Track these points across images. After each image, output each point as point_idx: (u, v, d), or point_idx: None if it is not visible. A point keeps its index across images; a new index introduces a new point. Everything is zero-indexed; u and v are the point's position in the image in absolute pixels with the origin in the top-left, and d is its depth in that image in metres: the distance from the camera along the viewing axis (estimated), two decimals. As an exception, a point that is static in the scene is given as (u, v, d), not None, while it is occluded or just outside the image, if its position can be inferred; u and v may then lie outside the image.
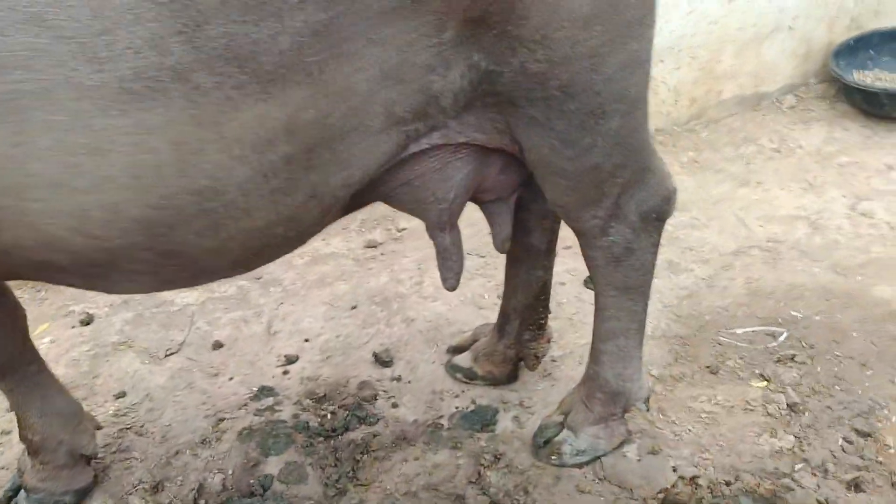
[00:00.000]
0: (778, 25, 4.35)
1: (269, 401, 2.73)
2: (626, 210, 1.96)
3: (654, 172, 1.96)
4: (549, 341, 2.66)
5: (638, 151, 1.87)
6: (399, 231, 3.65)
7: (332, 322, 3.11)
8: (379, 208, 3.57)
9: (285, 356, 2.94)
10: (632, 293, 2.14)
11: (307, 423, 2.61)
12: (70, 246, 1.49)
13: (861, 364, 2.66)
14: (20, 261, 1.58)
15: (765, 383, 2.62)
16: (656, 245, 2.09)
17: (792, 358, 2.70)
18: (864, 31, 4.52)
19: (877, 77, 4.39)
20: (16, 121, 1.33)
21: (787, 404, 2.51)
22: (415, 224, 3.53)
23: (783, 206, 3.58)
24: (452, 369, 2.75)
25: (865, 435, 2.40)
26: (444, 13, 1.51)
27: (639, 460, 2.35)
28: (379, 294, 3.24)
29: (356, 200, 1.79)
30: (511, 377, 2.68)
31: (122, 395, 2.82)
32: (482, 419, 2.57)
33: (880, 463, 2.30)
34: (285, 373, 2.87)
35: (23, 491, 2.34)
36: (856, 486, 2.24)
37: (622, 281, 2.09)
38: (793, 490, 2.23)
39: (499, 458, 2.43)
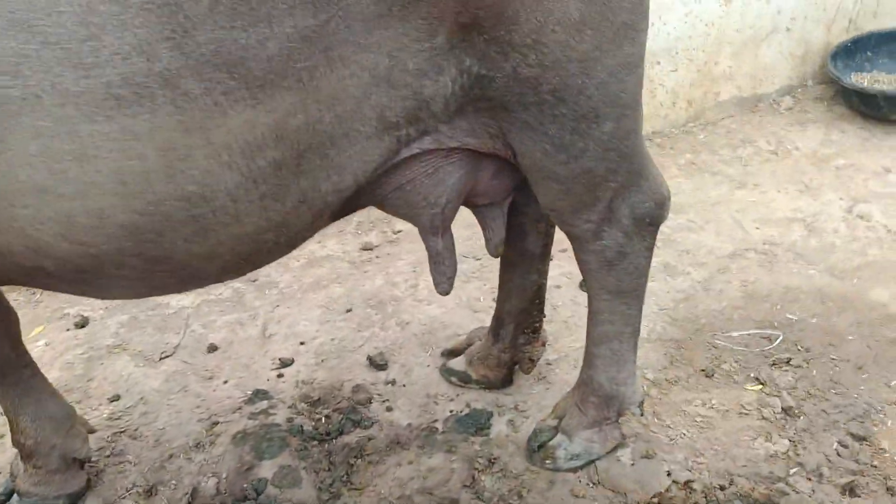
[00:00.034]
0: (775, 27, 4.34)
1: (264, 404, 2.73)
2: (620, 214, 1.96)
3: (648, 177, 1.96)
4: (543, 345, 2.65)
5: (631, 156, 1.87)
6: (395, 233, 3.64)
7: (327, 325, 3.11)
8: (375, 210, 3.56)
9: (280, 359, 2.93)
10: (625, 297, 2.13)
11: (301, 426, 2.60)
12: (57, 252, 1.49)
13: (857, 367, 2.66)
14: (10, 266, 1.58)
15: (760, 387, 2.61)
16: (650, 249, 2.08)
17: (787, 361, 2.70)
18: (861, 33, 4.52)
19: (874, 79, 4.39)
20: (2, 127, 1.32)
21: (782, 408, 2.51)
22: (410, 226, 3.51)
23: (780, 208, 3.58)
24: (447, 373, 2.74)
25: (861, 439, 2.39)
26: (436, 18, 1.51)
27: (633, 464, 2.34)
28: (374, 297, 3.24)
29: (348, 205, 1.79)
30: (506, 381, 2.68)
31: (116, 398, 2.81)
32: (477, 423, 2.56)
33: (875, 467, 2.30)
34: (280, 376, 2.86)
35: (16, 495, 2.34)
36: (850, 490, 2.23)
37: (615, 285, 2.09)
38: (787, 494, 2.22)
39: (493, 463, 2.42)
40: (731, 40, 4.27)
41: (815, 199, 3.62)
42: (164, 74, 1.34)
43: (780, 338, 2.81)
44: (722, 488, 2.26)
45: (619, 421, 2.37)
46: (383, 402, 2.71)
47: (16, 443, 2.27)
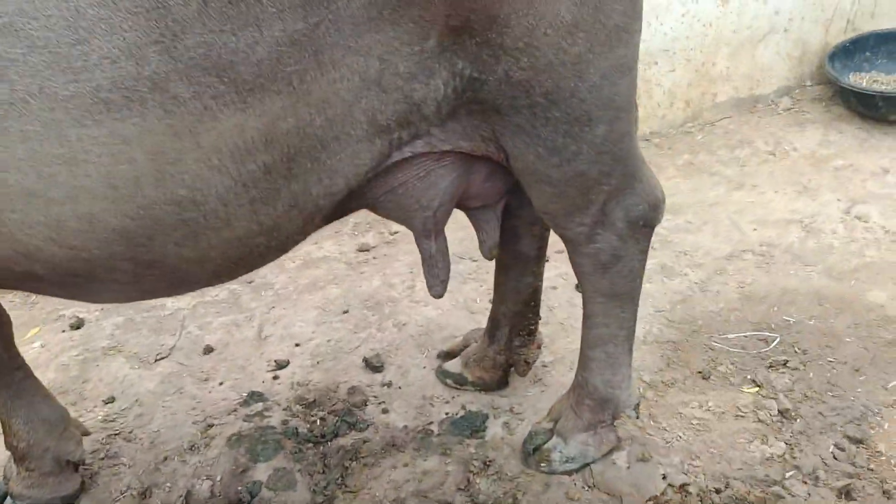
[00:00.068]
0: (773, 27, 4.33)
1: (259, 406, 2.72)
2: (613, 217, 1.95)
3: (642, 179, 1.95)
4: (539, 347, 2.65)
5: (624, 159, 1.86)
6: (392, 234, 3.64)
7: (324, 326, 3.10)
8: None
9: (276, 361, 2.92)
10: (620, 300, 2.12)
11: (296, 428, 2.59)
12: (47, 256, 1.48)
13: (854, 370, 2.65)
14: (1, 271, 1.57)
15: (756, 389, 2.60)
16: (644, 252, 2.07)
17: (784, 363, 2.69)
18: (860, 33, 4.50)
19: (873, 79, 4.37)
20: None
21: (779, 410, 2.50)
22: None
23: (777, 209, 3.57)
24: (443, 375, 2.74)
25: (857, 442, 2.38)
26: (427, 22, 1.50)
27: (628, 468, 2.34)
28: (371, 298, 3.23)
29: (340, 208, 1.78)
30: (501, 383, 2.67)
31: (111, 400, 2.81)
32: (472, 425, 2.55)
33: (871, 470, 2.29)
34: (275, 378, 2.85)
35: (9, 498, 2.33)
36: (847, 493, 2.23)
37: (610, 288, 2.08)
38: (783, 498, 2.22)
39: (488, 465, 2.41)
40: (728, 41, 4.26)
41: (813, 200, 3.61)
42: (153, 78, 1.34)
43: (777, 340, 2.80)
44: (717, 491, 2.26)
45: (615, 424, 2.37)
46: (379, 404, 2.70)
47: (9, 445, 2.27)
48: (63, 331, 3.20)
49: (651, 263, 3.24)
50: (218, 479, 2.46)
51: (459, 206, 2.06)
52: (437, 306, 3.11)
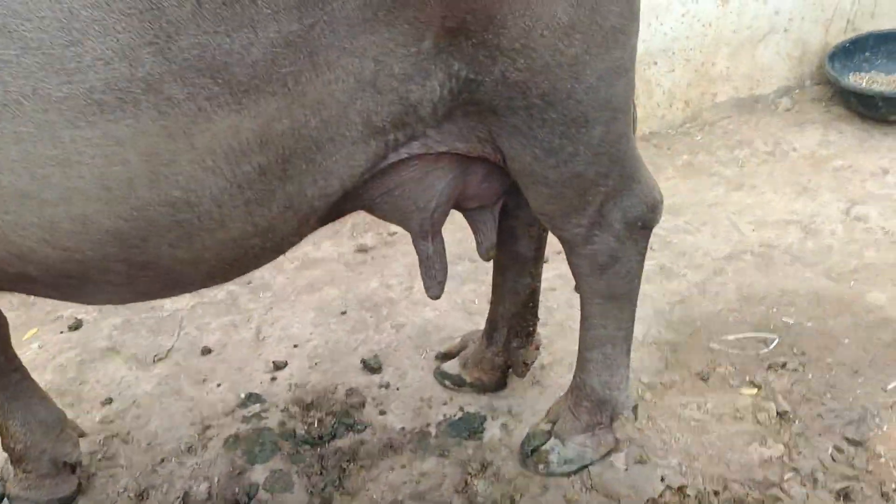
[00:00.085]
0: (773, 27, 4.32)
1: (256, 408, 2.72)
2: (611, 218, 1.94)
3: (640, 180, 1.94)
4: (537, 348, 2.64)
5: (622, 160, 1.85)
6: (390, 235, 3.63)
7: (322, 328, 3.09)
8: (370, 212, 3.56)
9: (273, 362, 2.92)
10: (618, 301, 2.12)
11: (294, 430, 2.59)
12: (41, 258, 1.48)
13: (853, 371, 2.64)
14: (-5, 273, 1.57)
15: (755, 391, 2.59)
16: (642, 253, 2.07)
17: (783, 365, 2.68)
18: (860, 34, 4.49)
19: (872, 79, 4.36)
20: None
21: (778, 412, 2.49)
22: (406, 228, 3.51)
23: (776, 210, 3.56)
24: (441, 376, 2.73)
25: (856, 444, 2.37)
26: (422, 23, 1.50)
27: (626, 469, 2.33)
28: (368, 299, 3.22)
29: (336, 210, 1.77)
30: (500, 384, 2.66)
31: (108, 401, 2.81)
32: (470, 427, 2.55)
33: (870, 472, 2.28)
34: (273, 379, 2.85)
35: (6, 500, 2.33)
36: (845, 496, 2.22)
37: (607, 289, 2.07)
38: (781, 500, 2.21)
39: (486, 467, 2.41)
40: (728, 41, 4.25)
41: (813, 201, 3.60)
42: (147, 79, 1.33)
43: (776, 341, 2.80)
44: (716, 493, 2.25)
45: (613, 425, 2.36)
46: (377, 405, 2.70)
47: (5, 447, 2.27)
48: (61, 332, 3.20)
49: (650, 264, 3.23)
50: (215, 480, 2.45)
51: (457, 207, 2.06)
52: (435, 307, 3.11)
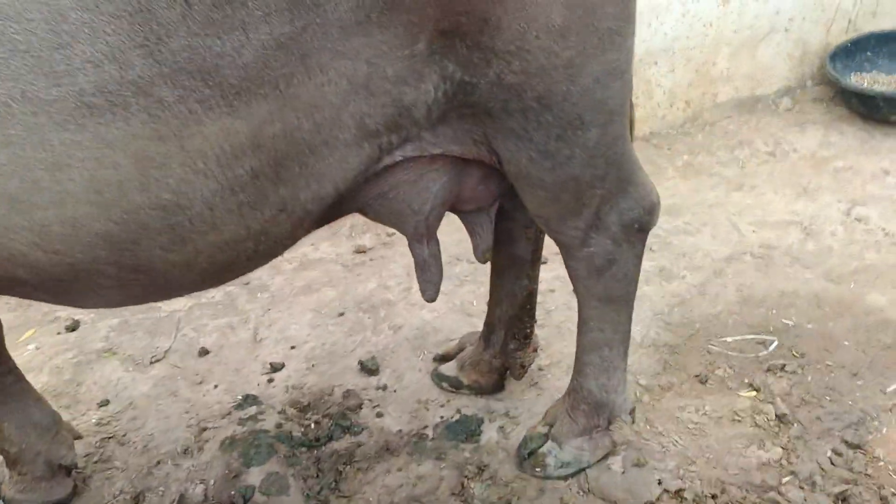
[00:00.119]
0: (773, 27, 4.31)
1: (253, 410, 2.70)
2: (608, 221, 1.93)
3: (636, 183, 1.93)
4: (535, 351, 2.63)
5: (618, 162, 1.84)
6: (388, 236, 3.62)
7: (319, 329, 3.08)
8: (368, 213, 3.55)
9: (271, 364, 2.91)
10: (615, 304, 2.10)
11: (290, 432, 2.58)
12: (31, 261, 1.47)
13: (852, 374, 2.63)
14: (-14, 276, 1.56)
15: (754, 393, 2.58)
16: (640, 256, 2.05)
17: (782, 367, 2.66)
18: (861, 33, 4.48)
19: (874, 80, 4.35)
20: None
21: (776, 415, 2.48)
22: (404, 229, 3.50)
23: (777, 211, 3.55)
24: (438, 378, 2.72)
25: (855, 447, 2.36)
26: (416, 25, 1.48)
27: (623, 473, 2.32)
28: (366, 301, 3.21)
29: (330, 212, 1.76)
30: (497, 387, 2.65)
31: (105, 403, 2.80)
32: (467, 429, 2.54)
33: (869, 476, 2.26)
34: (270, 381, 2.84)
35: (1, 502, 2.32)
36: (844, 499, 2.20)
37: (604, 292, 2.06)
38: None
39: (483, 470, 2.39)
40: (728, 41, 4.24)
41: (813, 202, 3.59)
42: (137, 82, 1.32)
43: (776, 343, 2.78)
44: (713, 497, 2.23)
45: (610, 428, 2.34)
46: (374, 407, 2.68)
47: (0, 450, 2.25)
48: (58, 333, 3.19)
49: (649, 265, 3.23)
50: (211, 483, 2.44)
51: (453, 210, 2.04)
52: (433, 309, 3.10)
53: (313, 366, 2.89)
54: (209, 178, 1.46)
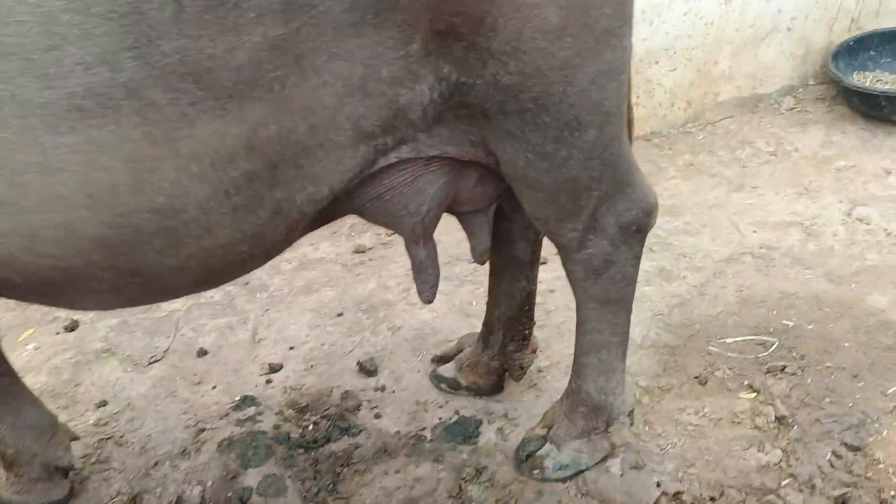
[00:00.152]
0: (776, 26, 4.29)
1: (251, 410, 2.70)
2: (605, 223, 1.92)
3: (634, 184, 1.91)
4: (534, 352, 2.62)
5: (615, 164, 1.83)
6: (388, 236, 3.61)
7: (318, 329, 3.07)
8: (368, 213, 3.54)
9: (269, 364, 2.90)
10: (613, 306, 2.09)
11: (288, 434, 2.57)
12: (24, 265, 1.46)
13: (853, 375, 2.61)
14: (-20, 279, 1.55)
15: (754, 395, 2.57)
16: (638, 257, 2.04)
17: (782, 369, 2.65)
18: (864, 32, 4.46)
19: (877, 79, 4.33)
20: None
21: (776, 417, 2.46)
22: (404, 229, 3.49)
23: (777, 211, 3.53)
24: (437, 379, 2.71)
25: (855, 449, 2.35)
26: (410, 26, 1.47)
27: (622, 475, 2.31)
28: (366, 301, 3.20)
29: (326, 214, 1.75)
30: (496, 388, 2.64)
31: (103, 403, 2.79)
32: (465, 431, 2.53)
33: (869, 479, 2.25)
34: (268, 381, 2.83)
35: (-2, 504, 2.32)
36: (843, 503, 2.19)
37: (602, 294, 2.05)
38: (778, 507, 2.19)
39: (481, 472, 2.38)
40: (730, 39, 4.22)
41: (814, 202, 3.57)
42: (128, 85, 1.31)
43: (776, 344, 2.77)
44: (712, 500, 2.23)
45: (609, 430, 2.33)
46: (372, 408, 2.68)
47: (-4, 452, 2.25)
48: (57, 333, 3.18)
49: (649, 266, 3.22)
50: (209, 484, 2.44)
51: (450, 211, 2.03)
52: (432, 309, 3.09)
53: (312, 366, 2.88)
54: (203, 182, 1.45)
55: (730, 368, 2.69)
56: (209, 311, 3.24)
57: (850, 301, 2.94)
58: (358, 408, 2.67)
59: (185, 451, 2.56)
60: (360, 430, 2.58)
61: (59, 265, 1.46)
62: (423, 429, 2.57)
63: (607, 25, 1.59)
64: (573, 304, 2.99)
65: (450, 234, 3.12)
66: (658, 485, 2.27)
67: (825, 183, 3.70)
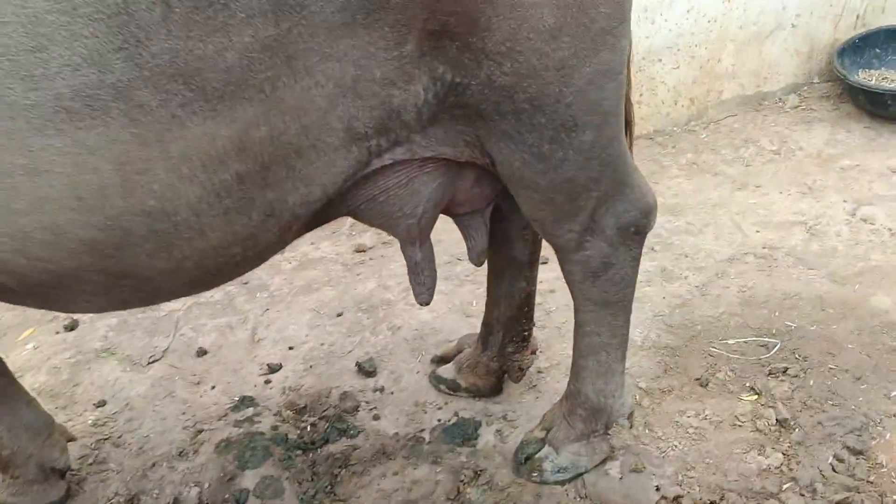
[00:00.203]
0: (780, 23, 4.25)
1: (249, 411, 2.68)
2: (603, 224, 1.90)
3: (632, 185, 1.89)
4: (534, 353, 2.60)
5: (613, 165, 1.80)
6: (389, 235, 3.58)
7: (317, 329, 3.06)
8: (368, 212, 3.52)
9: (268, 365, 2.89)
10: (611, 308, 2.07)
11: (286, 435, 2.56)
12: (14, 268, 1.45)
13: (855, 377, 2.58)
14: (-29, 281, 1.54)
15: (755, 397, 2.54)
16: (637, 259, 2.02)
17: (784, 371, 2.63)
18: (869, 29, 4.42)
19: (882, 76, 4.29)
20: None
21: (777, 420, 2.44)
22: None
23: (781, 210, 3.50)
24: (436, 380, 2.69)
25: (857, 453, 2.32)
26: (403, 26, 1.45)
27: (621, 478, 2.28)
28: (366, 301, 3.19)
29: (320, 216, 1.73)
30: (495, 389, 2.62)
31: (102, 403, 2.78)
32: (464, 433, 2.51)
33: (871, 483, 2.23)
34: (267, 382, 2.82)
35: (-6, 505, 2.31)
36: (845, 507, 2.17)
37: (601, 296, 2.03)
38: (779, 511, 2.17)
39: (479, 475, 2.37)
40: (734, 37, 4.18)
41: (818, 202, 3.54)
42: (117, 86, 1.30)
43: (778, 346, 2.74)
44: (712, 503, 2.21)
45: (609, 433, 2.31)
46: (370, 409, 2.66)
47: (-7, 453, 2.24)
48: (57, 332, 3.18)
49: (651, 266, 3.20)
50: (206, 486, 2.43)
51: (446, 213, 2.02)
52: (432, 309, 3.07)
53: (311, 367, 2.87)
54: (194, 183, 1.43)
55: (731, 370, 2.66)
56: (209, 310, 3.23)
57: (853, 302, 2.91)
58: (356, 409, 2.66)
59: (182, 452, 2.55)
60: (359, 432, 2.56)
61: (50, 268, 1.45)
62: (422, 430, 2.55)
63: (605, 25, 1.57)
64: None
65: (450, 234, 3.09)
66: (657, 488, 2.25)
67: (829, 182, 3.67)
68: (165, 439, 2.61)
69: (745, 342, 2.78)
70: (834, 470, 2.27)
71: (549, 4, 1.50)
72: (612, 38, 1.60)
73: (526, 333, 2.52)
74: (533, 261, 2.37)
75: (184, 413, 2.72)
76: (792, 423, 2.42)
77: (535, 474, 2.30)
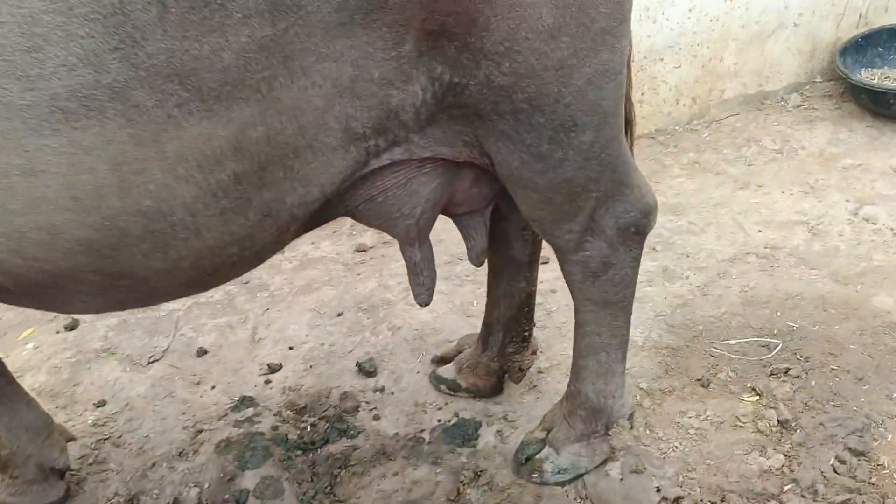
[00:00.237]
0: (782, 22, 4.24)
1: (249, 411, 2.68)
2: (603, 224, 1.89)
3: (632, 185, 1.88)
4: (534, 353, 2.59)
5: (613, 165, 1.80)
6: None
7: (318, 329, 3.06)
8: (369, 212, 3.51)
9: (268, 365, 2.89)
10: (611, 308, 2.06)
11: (286, 435, 2.55)
12: (10, 268, 1.44)
13: (857, 378, 2.57)
14: (-32, 282, 1.53)
15: (756, 398, 2.53)
16: (637, 259, 2.01)
17: (786, 371, 2.62)
18: (872, 28, 4.41)
19: (885, 75, 4.28)
20: None
21: (779, 420, 2.43)
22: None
23: (783, 210, 3.49)
24: (436, 381, 2.69)
25: (859, 454, 2.31)
26: (401, 26, 1.45)
27: (621, 479, 2.27)
28: (366, 300, 3.18)
29: (318, 216, 1.73)
30: (495, 390, 2.62)
31: (102, 403, 2.78)
32: (464, 433, 2.50)
33: (872, 485, 2.21)
34: (267, 382, 2.82)
35: (-6, 505, 2.31)
36: (846, 509, 2.16)
37: (601, 296, 2.02)
38: (780, 512, 2.16)
39: (479, 475, 2.36)
40: (736, 36, 4.17)
41: (820, 201, 3.53)
42: (113, 86, 1.29)
43: (780, 346, 2.73)
44: (713, 505, 2.20)
45: (609, 433, 2.30)
46: (371, 410, 2.66)
47: (-8, 453, 2.24)
48: (57, 332, 3.17)
49: (652, 266, 3.19)
50: (205, 486, 2.42)
51: (445, 213, 2.01)
52: (432, 309, 3.06)
53: (311, 367, 2.86)
54: (190, 184, 1.43)
55: (732, 371, 2.65)
56: (209, 310, 3.22)
57: (855, 302, 2.90)
58: (356, 409, 2.65)
59: (182, 452, 2.55)
60: (359, 432, 2.56)
61: (46, 268, 1.45)
62: (422, 431, 2.55)
63: (604, 25, 1.56)
64: (574, 305, 2.98)
65: (450, 234, 3.09)
66: (658, 489, 2.24)
67: (832, 181, 3.66)
68: (165, 439, 2.61)
69: (747, 342, 2.77)
70: (835, 471, 2.26)
71: (548, 4, 1.49)
72: (611, 38, 1.59)
73: (526, 334, 2.51)
74: (533, 261, 2.37)
75: (184, 413, 2.72)
76: (793, 424, 2.41)
77: (536, 475, 2.30)
